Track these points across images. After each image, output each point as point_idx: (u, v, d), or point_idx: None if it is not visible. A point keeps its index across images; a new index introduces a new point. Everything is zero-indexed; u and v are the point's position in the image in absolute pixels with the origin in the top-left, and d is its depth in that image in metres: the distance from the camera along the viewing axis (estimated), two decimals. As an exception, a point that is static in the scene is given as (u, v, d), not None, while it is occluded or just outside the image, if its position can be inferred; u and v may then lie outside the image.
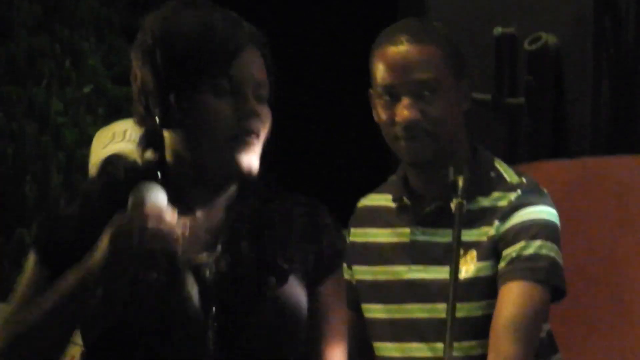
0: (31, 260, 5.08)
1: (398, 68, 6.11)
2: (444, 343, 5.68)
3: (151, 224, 4.84)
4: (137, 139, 5.99)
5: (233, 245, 5.21)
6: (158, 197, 4.90)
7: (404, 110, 6.03)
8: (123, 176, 5.22)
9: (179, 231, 4.95)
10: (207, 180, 5.17)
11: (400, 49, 6.18)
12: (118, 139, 7.04)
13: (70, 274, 4.85)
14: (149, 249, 4.87)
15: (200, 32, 5.12)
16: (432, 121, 6.07)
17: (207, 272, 5.17)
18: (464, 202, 5.77)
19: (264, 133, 5.13)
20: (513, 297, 6.06)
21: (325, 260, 5.28)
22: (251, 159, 4.99)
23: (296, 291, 5.19)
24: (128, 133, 6.97)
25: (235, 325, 5.19)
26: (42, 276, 5.05)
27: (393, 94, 6.00)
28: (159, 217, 4.87)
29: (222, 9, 5.24)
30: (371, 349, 6.36)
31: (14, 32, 13.16)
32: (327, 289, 5.29)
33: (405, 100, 6.01)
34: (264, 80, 5.14)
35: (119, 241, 4.84)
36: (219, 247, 5.18)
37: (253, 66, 5.17)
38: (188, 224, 4.95)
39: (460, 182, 5.83)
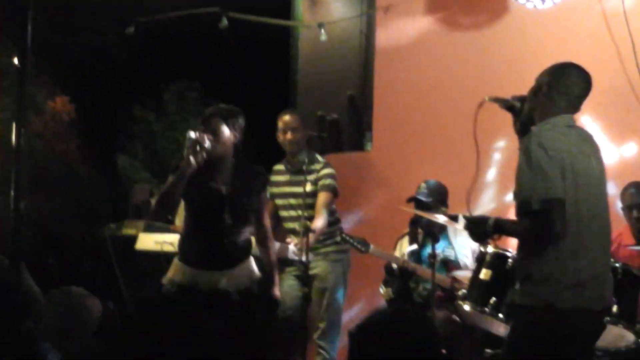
0: (170, 176, 4.97)
1: (283, 123, 6.39)
2: (302, 212, 6.15)
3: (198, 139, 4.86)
4: None
5: (234, 184, 5.09)
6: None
7: (287, 136, 6.38)
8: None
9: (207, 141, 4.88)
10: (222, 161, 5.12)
11: (284, 117, 6.43)
12: None
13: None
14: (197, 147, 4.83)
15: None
16: (292, 141, 6.35)
17: (225, 191, 5.06)
18: (306, 167, 6.23)
19: (218, 144, 4.95)
20: (323, 197, 6.31)
21: (261, 188, 5.25)
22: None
23: (252, 199, 5.15)
24: None
25: (232, 210, 5.04)
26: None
27: (282, 130, 6.39)
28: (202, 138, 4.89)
29: (227, 106, 5.20)
30: (279, 216, 6.55)
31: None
32: (261, 197, 5.27)
33: (288, 133, 6.37)
34: (215, 126, 4.97)
35: (187, 149, 4.84)
36: (229, 185, 5.08)
37: (211, 123, 4.99)
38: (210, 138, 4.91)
39: (306, 160, 6.28)
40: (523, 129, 4.32)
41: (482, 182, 6.81)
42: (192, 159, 4.80)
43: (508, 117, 4.47)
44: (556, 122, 4.17)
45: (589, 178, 4.17)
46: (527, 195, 4.04)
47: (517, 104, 4.33)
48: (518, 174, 4.11)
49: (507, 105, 4.38)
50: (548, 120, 4.17)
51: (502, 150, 6.72)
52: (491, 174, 6.87)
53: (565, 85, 4.20)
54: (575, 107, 4.27)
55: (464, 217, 4.34)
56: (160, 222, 6.32)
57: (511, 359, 4.13)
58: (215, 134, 4.94)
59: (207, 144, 4.83)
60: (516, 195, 4.15)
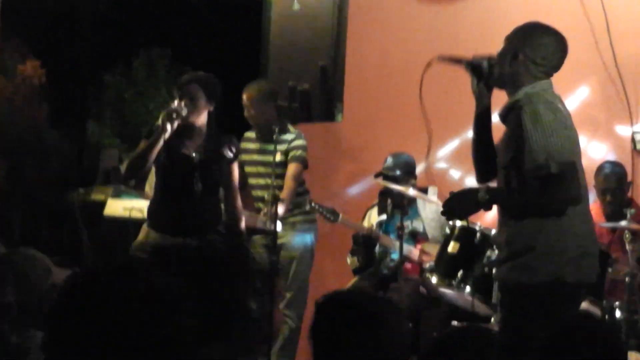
0: (142, 141, 5.04)
1: (244, 99, 6.24)
2: (271, 181, 5.98)
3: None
4: None
5: (206, 152, 5.15)
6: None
7: (246, 112, 6.22)
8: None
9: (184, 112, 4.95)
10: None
11: (244, 93, 6.21)
12: None
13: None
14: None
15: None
16: (249, 117, 6.24)
17: (196, 158, 5.11)
18: (277, 136, 6.06)
19: (193, 110, 4.96)
20: (292, 168, 6.25)
21: (233, 157, 5.28)
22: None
23: (222, 167, 5.19)
24: None
25: (202, 177, 5.09)
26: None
27: (245, 105, 6.23)
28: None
29: (204, 73, 5.24)
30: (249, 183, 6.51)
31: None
32: (232, 167, 5.30)
33: (246, 110, 6.22)
34: (193, 94, 4.98)
35: (164, 117, 4.92)
36: (200, 151, 5.14)
37: (189, 90, 5.01)
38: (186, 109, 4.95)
39: (276, 130, 6.05)
40: (488, 92, 4.08)
41: (449, 153, 6.90)
42: (167, 125, 4.84)
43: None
44: (543, 85, 4.02)
45: (579, 143, 4.07)
46: (542, 158, 3.79)
47: (485, 64, 4.06)
48: (523, 138, 3.84)
49: (472, 64, 4.10)
50: (535, 85, 4.00)
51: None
52: (457, 145, 6.88)
53: (542, 57, 4.01)
54: (550, 75, 4.10)
55: (451, 193, 4.02)
56: (130, 183, 6.31)
57: (514, 342, 3.69)
58: (192, 100, 4.96)
59: (184, 111, 4.89)
60: (523, 161, 3.87)
